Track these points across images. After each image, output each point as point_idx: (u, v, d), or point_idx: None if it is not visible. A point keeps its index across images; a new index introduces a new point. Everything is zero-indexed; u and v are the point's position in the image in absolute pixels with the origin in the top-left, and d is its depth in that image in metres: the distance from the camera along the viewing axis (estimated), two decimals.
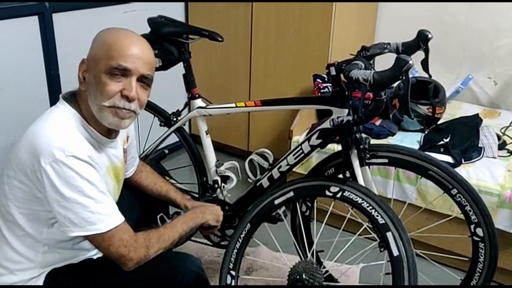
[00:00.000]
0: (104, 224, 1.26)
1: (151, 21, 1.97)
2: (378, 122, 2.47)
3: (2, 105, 2.23)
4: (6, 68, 2.23)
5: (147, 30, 1.99)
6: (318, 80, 2.59)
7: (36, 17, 2.31)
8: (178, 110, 2.12)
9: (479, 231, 1.67)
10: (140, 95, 1.35)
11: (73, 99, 1.37)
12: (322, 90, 2.55)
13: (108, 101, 1.30)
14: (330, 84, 2.51)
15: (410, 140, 2.37)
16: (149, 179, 1.79)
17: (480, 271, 1.71)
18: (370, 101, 2.22)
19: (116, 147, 1.48)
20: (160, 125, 2.14)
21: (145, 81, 1.36)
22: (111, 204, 1.31)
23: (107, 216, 1.27)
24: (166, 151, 2.24)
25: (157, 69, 1.98)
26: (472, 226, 1.67)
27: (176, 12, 3.03)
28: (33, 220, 1.32)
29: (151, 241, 1.36)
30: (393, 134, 2.41)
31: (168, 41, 1.95)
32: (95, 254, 1.50)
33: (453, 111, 2.66)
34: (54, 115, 1.31)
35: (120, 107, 1.31)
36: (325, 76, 2.57)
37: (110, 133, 1.42)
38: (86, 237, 1.29)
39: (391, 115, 2.48)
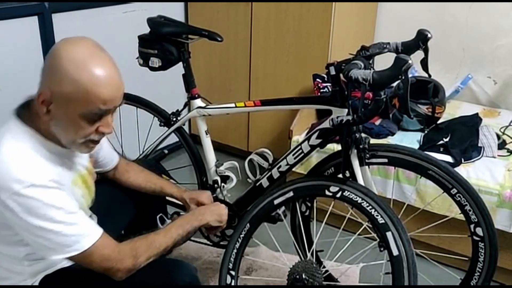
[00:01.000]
0: (80, 244, 1.22)
1: (150, 21, 1.98)
2: (378, 122, 2.47)
3: (2, 106, 2.23)
4: (6, 69, 2.23)
5: (147, 30, 2.00)
6: (317, 79, 2.59)
7: (35, 18, 2.31)
8: (177, 110, 2.12)
9: (479, 231, 1.67)
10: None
11: (27, 113, 1.26)
12: (322, 90, 2.55)
13: (82, 139, 1.24)
14: (329, 84, 2.51)
15: (409, 139, 2.37)
16: (139, 178, 1.75)
17: (480, 270, 1.72)
18: (369, 101, 2.23)
19: (82, 156, 1.41)
20: (160, 125, 2.14)
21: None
22: (84, 222, 1.25)
23: (82, 236, 1.23)
24: (166, 151, 2.25)
25: (157, 69, 2.00)
26: (472, 226, 1.67)
27: (175, 12, 3.03)
28: (7, 243, 1.28)
29: (138, 250, 1.32)
30: (392, 134, 2.41)
31: (167, 41, 1.95)
32: None
33: (452, 110, 2.66)
34: (6, 141, 1.20)
35: (95, 140, 1.27)
36: (324, 75, 2.57)
37: None
38: (66, 258, 1.25)
39: (390, 115, 2.48)
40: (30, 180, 1.15)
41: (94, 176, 1.53)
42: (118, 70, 1.26)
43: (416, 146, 2.29)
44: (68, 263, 1.40)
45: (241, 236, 1.77)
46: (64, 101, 1.19)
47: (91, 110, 1.19)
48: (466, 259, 1.83)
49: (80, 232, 1.23)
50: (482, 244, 1.68)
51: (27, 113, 1.26)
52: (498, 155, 2.23)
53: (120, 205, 1.74)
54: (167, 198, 1.85)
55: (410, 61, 1.35)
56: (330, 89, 2.48)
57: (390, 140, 2.36)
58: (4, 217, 1.19)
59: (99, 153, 1.60)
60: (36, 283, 1.36)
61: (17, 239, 1.26)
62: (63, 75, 1.18)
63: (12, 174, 1.15)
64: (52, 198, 1.18)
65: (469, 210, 1.66)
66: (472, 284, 1.75)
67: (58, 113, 1.21)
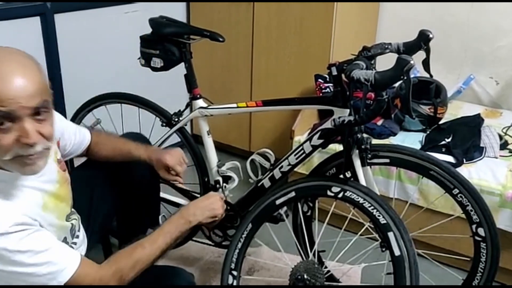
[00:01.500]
0: (56, 281, 1.17)
1: (152, 22, 1.98)
2: (379, 122, 2.46)
3: None
4: None
5: (148, 30, 2.00)
6: (319, 80, 2.59)
7: (38, 18, 2.32)
8: (179, 111, 2.12)
9: (481, 231, 1.67)
10: (42, 130, 1.12)
11: None
12: (323, 90, 2.55)
13: (7, 155, 1.09)
14: (331, 84, 2.51)
15: (411, 140, 2.37)
16: (107, 147, 1.69)
17: (482, 271, 1.71)
18: (371, 101, 2.23)
19: (45, 173, 1.26)
20: (162, 125, 2.14)
21: (41, 111, 1.12)
22: (57, 257, 1.18)
23: (57, 273, 1.17)
24: None
25: (159, 69, 2.00)
26: (474, 226, 1.67)
27: (177, 12, 3.03)
28: None
29: (124, 271, 1.27)
30: (394, 134, 2.41)
31: (169, 41, 1.95)
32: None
33: (454, 111, 2.66)
34: None
35: (25, 156, 1.11)
36: (326, 76, 2.57)
37: None
38: None
39: (392, 115, 2.48)
40: None
41: (68, 181, 1.43)
42: (30, 67, 1.12)
43: (418, 146, 2.29)
44: None
45: (243, 236, 1.77)
46: None
47: None
48: (468, 259, 1.83)
49: (54, 269, 1.17)
50: (484, 244, 1.68)
51: None
52: (500, 156, 2.23)
53: (101, 201, 1.69)
54: (163, 197, 1.82)
55: (412, 62, 1.35)
56: (332, 90, 2.48)
57: (392, 141, 2.36)
58: None
59: (68, 142, 1.56)
60: None
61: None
62: None
63: None
64: (16, 243, 1.10)
65: (471, 211, 1.66)
66: (474, 284, 1.74)
67: None
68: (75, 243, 1.42)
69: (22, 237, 1.12)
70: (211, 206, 1.54)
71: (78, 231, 1.47)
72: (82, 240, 1.50)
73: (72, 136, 1.59)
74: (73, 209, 1.47)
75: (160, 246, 1.35)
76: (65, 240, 1.34)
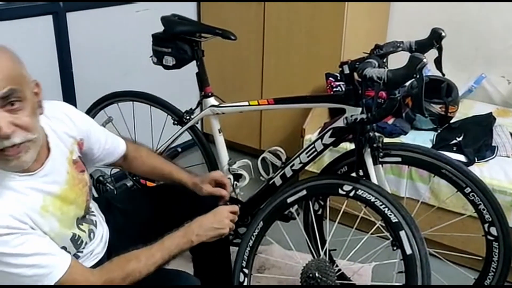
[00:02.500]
0: (43, 283, 1.16)
1: (164, 20, 1.99)
2: (390, 121, 2.46)
3: None
4: None
5: (159, 28, 2.01)
6: (330, 78, 2.59)
7: (50, 17, 2.33)
8: (191, 109, 2.13)
9: (493, 230, 1.66)
10: (17, 121, 1.07)
11: None
12: (334, 89, 2.55)
13: None
14: (342, 83, 2.51)
15: (422, 139, 2.36)
16: (146, 164, 1.64)
17: (494, 270, 1.71)
18: (382, 100, 2.22)
19: (50, 173, 1.24)
20: (174, 123, 2.15)
21: (12, 101, 1.06)
22: (46, 261, 1.16)
23: (44, 275, 1.16)
24: (179, 149, 2.25)
25: (171, 67, 2.01)
26: (486, 225, 1.67)
27: (188, 11, 3.04)
28: None
29: (114, 282, 1.24)
30: (405, 133, 2.41)
31: (181, 39, 1.96)
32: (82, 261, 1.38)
33: (466, 110, 2.64)
34: None
35: (2, 149, 1.07)
36: (337, 74, 2.57)
37: (34, 164, 1.19)
38: None
39: (403, 114, 2.47)
40: None
41: (83, 184, 1.39)
42: None
43: (429, 145, 2.28)
44: None
45: (254, 234, 1.78)
46: None
47: None
48: (480, 258, 1.82)
49: (40, 272, 1.15)
50: (496, 244, 1.67)
51: None
52: None
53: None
54: None
55: (425, 60, 1.35)
56: (342, 88, 2.49)
57: (402, 139, 2.36)
58: None
59: (95, 147, 1.51)
60: None
61: None
62: None
63: None
64: (6, 245, 1.09)
65: (483, 210, 1.65)
66: (485, 284, 1.74)
67: None
68: (78, 256, 1.36)
69: (10, 241, 1.10)
70: (216, 225, 1.43)
71: (88, 243, 1.41)
72: (90, 255, 1.44)
73: (101, 141, 1.53)
74: (92, 213, 1.46)
75: (156, 262, 1.30)
76: (64, 249, 1.27)
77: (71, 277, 1.19)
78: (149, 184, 2.09)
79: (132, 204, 1.67)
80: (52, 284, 1.16)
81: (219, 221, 1.43)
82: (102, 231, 1.50)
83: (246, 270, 1.77)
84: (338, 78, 2.56)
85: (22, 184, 1.17)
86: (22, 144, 1.09)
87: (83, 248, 1.38)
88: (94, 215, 1.48)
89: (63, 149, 1.33)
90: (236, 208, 1.52)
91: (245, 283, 1.76)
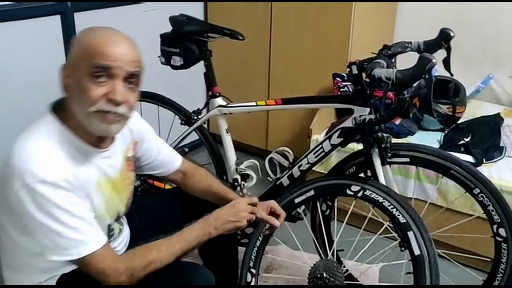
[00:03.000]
0: (77, 250, 1.21)
1: (173, 20, 1.99)
2: (398, 121, 2.45)
3: (24, 104, 2.27)
4: (28, 67, 2.26)
5: (167, 29, 2.01)
6: (337, 79, 2.58)
7: (58, 17, 2.34)
8: (198, 109, 2.13)
9: (502, 232, 1.65)
10: (128, 97, 1.24)
11: (61, 110, 1.28)
12: (341, 89, 2.55)
13: (93, 107, 1.20)
14: (349, 83, 2.51)
15: (430, 139, 2.35)
16: (203, 183, 1.66)
17: (502, 272, 1.70)
18: (390, 100, 2.22)
19: (111, 157, 1.37)
20: (181, 123, 2.15)
21: (132, 80, 1.24)
22: (87, 230, 1.23)
23: (81, 243, 1.21)
24: (187, 149, 2.25)
25: (179, 67, 2.01)
26: (495, 226, 1.66)
27: (195, 11, 3.04)
28: (26, 234, 1.26)
29: (136, 270, 1.27)
30: (413, 133, 2.40)
31: (189, 39, 1.97)
32: None
33: (473, 110, 2.63)
34: (35, 130, 1.24)
35: (107, 111, 1.21)
36: (344, 74, 2.57)
37: (102, 141, 1.32)
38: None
39: (411, 114, 2.47)
40: (42, 175, 1.15)
41: (130, 181, 1.49)
42: (131, 42, 1.28)
43: (436, 146, 2.28)
44: None
45: (262, 234, 1.78)
46: (74, 67, 1.22)
47: (92, 64, 1.18)
48: (489, 260, 1.81)
49: (80, 238, 1.21)
50: (505, 245, 1.66)
51: (60, 109, 1.28)
52: None
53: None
54: None
55: (434, 60, 1.35)
56: (350, 88, 2.48)
57: (410, 140, 2.35)
58: (17, 208, 1.20)
59: (148, 154, 1.57)
60: (53, 280, 1.35)
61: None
62: (76, 45, 1.25)
63: (29, 166, 1.16)
64: (60, 198, 1.17)
65: (492, 210, 1.65)
66: (494, 285, 1.73)
67: (72, 83, 1.23)
68: None
69: (67, 195, 1.19)
70: (233, 218, 1.45)
71: (117, 239, 1.47)
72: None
73: (153, 151, 1.59)
74: (123, 217, 1.51)
75: (176, 252, 1.34)
76: None
77: (101, 255, 1.24)
78: (157, 184, 2.10)
79: (147, 210, 1.68)
80: (83, 255, 1.21)
81: (235, 214, 1.45)
82: (126, 233, 1.55)
83: (253, 270, 1.77)
84: (345, 78, 2.56)
85: (92, 160, 1.30)
86: (121, 116, 1.24)
87: (110, 242, 1.41)
88: (124, 217, 1.54)
89: (122, 143, 1.44)
90: (255, 200, 1.54)
91: (252, 283, 1.76)
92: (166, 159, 1.64)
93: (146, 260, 1.29)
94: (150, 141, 1.58)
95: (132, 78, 1.24)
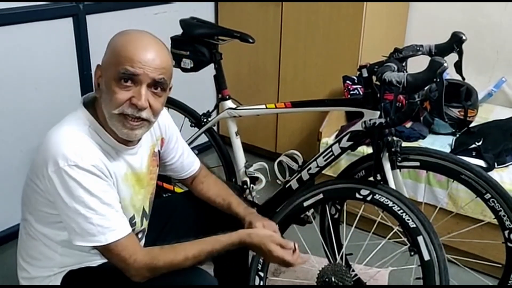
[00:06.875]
0: (104, 237, 1.24)
1: (183, 23, 2.00)
2: (408, 125, 2.44)
3: (37, 105, 2.29)
4: (41, 69, 2.28)
5: (178, 31, 2.02)
6: (348, 81, 2.57)
7: (70, 19, 2.35)
8: (208, 111, 2.14)
9: None
10: (152, 103, 1.27)
11: (92, 103, 1.34)
12: (351, 92, 2.54)
13: (117, 109, 1.25)
14: (360, 86, 2.50)
15: (441, 143, 2.33)
16: (210, 191, 1.67)
17: None
18: (400, 104, 2.21)
19: (136, 153, 1.41)
20: (191, 125, 2.16)
21: (158, 86, 1.27)
22: (115, 217, 1.26)
23: (108, 229, 1.24)
24: (196, 152, 2.25)
25: (189, 70, 2.02)
26: (507, 232, 1.64)
27: (206, 13, 3.05)
28: (48, 223, 1.32)
29: (157, 266, 1.28)
30: (423, 137, 2.38)
31: (199, 42, 1.97)
32: None
33: (485, 114, 2.61)
34: (68, 121, 1.29)
35: (128, 114, 1.25)
36: (355, 77, 2.56)
37: (128, 141, 1.36)
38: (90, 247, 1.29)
39: (421, 118, 2.45)
40: (75, 160, 1.20)
41: (154, 176, 1.53)
42: (162, 48, 1.30)
43: (447, 149, 2.26)
44: (94, 263, 1.41)
45: None
46: (106, 69, 1.27)
47: (119, 70, 1.22)
48: (500, 265, 1.80)
49: (107, 225, 1.24)
50: None
51: (92, 106, 1.33)
52: None
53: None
54: None
55: (445, 64, 1.34)
56: (360, 91, 2.47)
57: (420, 144, 2.33)
58: (48, 193, 1.24)
59: (172, 152, 1.60)
60: (60, 275, 1.38)
61: (57, 220, 1.29)
62: (109, 48, 1.29)
63: (62, 151, 1.20)
64: (90, 183, 1.22)
65: (504, 216, 1.63)
66: None
67: (102, 84, 1.28)
68: None
69: (97, 181, 1.24)
70: (263, 252, 1.41)
71: (138, 235, 1.49)
72: None
73: (178, 152, 1.62)
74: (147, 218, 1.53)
75: (199, 260, 1.33)
76: None
77: (125, 243, 1.26)
78: (166, 186, 2.10)
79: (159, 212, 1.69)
80: (109, 241, 1.24)
81: (268, 252, 1.40)
82: (144, 233, 1.56)
83: (261, 273, 1.76)
84: (356, 81, 2.55)
85: (117, 150, 1.34)
86: (144, 121, 1.28)
87: None
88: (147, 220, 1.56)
89: (150, 137, 1.48)
90: (290, 245, 1.45)
91: None
92: (188, 162, 1.67)
93: (170, 264, 1.30)
94: (177, 142, 1.62)
95: (157, 85, 1.27)
